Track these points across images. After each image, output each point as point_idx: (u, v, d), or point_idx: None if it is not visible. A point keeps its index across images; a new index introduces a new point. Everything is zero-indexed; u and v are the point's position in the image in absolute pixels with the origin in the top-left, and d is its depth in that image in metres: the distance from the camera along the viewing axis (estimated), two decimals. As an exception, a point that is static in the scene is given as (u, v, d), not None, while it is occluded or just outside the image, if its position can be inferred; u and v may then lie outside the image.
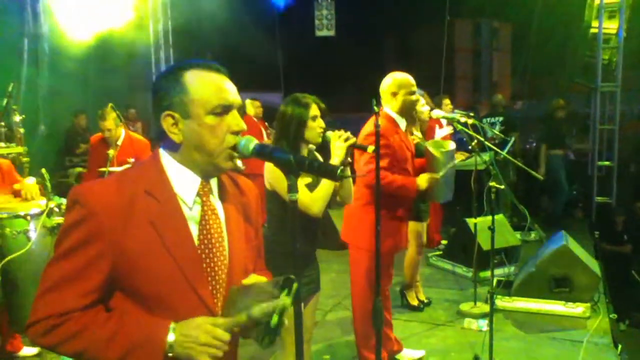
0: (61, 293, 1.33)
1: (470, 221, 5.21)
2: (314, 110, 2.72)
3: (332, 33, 10.06)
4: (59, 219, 3.24)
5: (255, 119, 7.75)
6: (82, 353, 1.34)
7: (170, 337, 1.33)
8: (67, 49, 8.38)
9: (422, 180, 3.46)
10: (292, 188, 1.56)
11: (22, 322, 3.33)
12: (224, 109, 1.43)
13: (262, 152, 1.62)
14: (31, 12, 7.90)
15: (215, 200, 1.50)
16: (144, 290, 1.37)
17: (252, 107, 7.77)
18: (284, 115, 2.73)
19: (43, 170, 3.24)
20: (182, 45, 11.63)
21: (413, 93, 3.51)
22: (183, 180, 1.44)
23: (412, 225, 4.67)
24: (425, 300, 4.96)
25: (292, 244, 2.64)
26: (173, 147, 1.44)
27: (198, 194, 1.45)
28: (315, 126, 2.70)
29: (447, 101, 6.54)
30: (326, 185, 2.65)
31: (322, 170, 1.62)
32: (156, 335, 1.33)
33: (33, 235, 3.28)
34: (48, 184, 3.20)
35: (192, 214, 1.43)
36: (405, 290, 4.90)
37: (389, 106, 3.50)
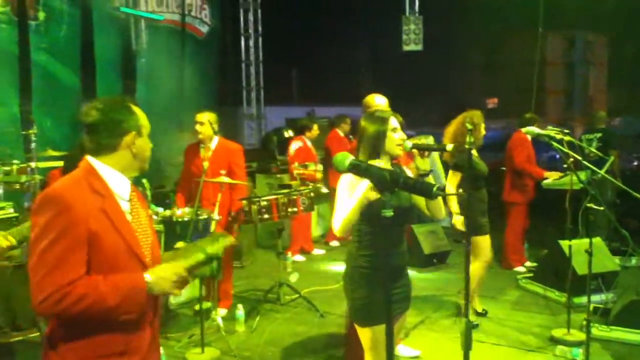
0: (64, 268, 1.79)
1: (564, 243, 4.95)
2: (393, 122, 2.75)
3: (419, 47, 9.98)
4: (157, 226, 3.41)
5: (342, 134, 7.81)
6: (90, 307, 1.80)
7: (148, 279, 1.90)
8: (163, 63, 8.88)
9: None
10: (386, 204, 1.56)
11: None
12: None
13: (357, 168, 1.64)
14: (133, 31, 8.43)
15: (135, 197, 2.06)
16: (104, 258, 1.87)
17: (344, 125, 7.87)
18: (363, 129, 2.78)
19: (144, 180, 3.43)
20: (270, 61, 11.99)
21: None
22: (118, 182, 1.99)
23: (475, 240, 4.62)
24: (482, 312, 4.97)
25: (382, 259, 2.65)
26: (109, 157, 1.97)
27: (131, 192, 2.02)
28: (396, 138, 2.73)
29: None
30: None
31: (417, 187, 1.61)
32: (139, 282, 1.89)
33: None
34: (148, 193, 3.38)
35: (125, 206, 1.99)
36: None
37: None
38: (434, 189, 1.48)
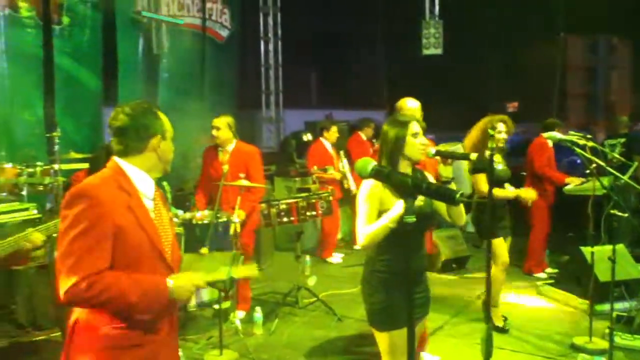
0: (91, 259, 1.89)
1: (586, 250, 4.88)
2: (414, 127, 2.73)
3: (439, 51, 9.94)
4: (177, 229, 3.43)
5: (364, 138, 7.82)
6: (113, 299, 1.90)
7: (170, 284, 2.00)
8: (184, 67, 8.97)
9: None
10: (408, 210, 1.56)
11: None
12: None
13: (379, 174, 1.64)
14: (155, 35, 8.52)
15: (158, 197, 2.19)
16: (128, 253, 1.97)
17: (368, 129, 7.89)
18: (384, 133, 2.77)
19: (164, 183, 3.46)
20: (289, 64, 12.02)
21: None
22: (144, 182, 2.10)
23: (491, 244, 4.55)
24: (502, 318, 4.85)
25: (402, 264, 2.64)
26: (136, 159, 2.08)
27: (154, 192, 2.15)
28: (417, 143, 2.71)
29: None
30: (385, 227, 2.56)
31: (439, 193, 1.60)
32: (162, 285, 2.00)
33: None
34: (169, 196, 3.40)
35: (149, 205, 2.11)
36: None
37: None
38: (457, 195, 1.47)
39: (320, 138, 7.41)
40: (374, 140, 7.73)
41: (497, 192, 4.46)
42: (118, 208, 1.97)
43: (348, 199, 7.39)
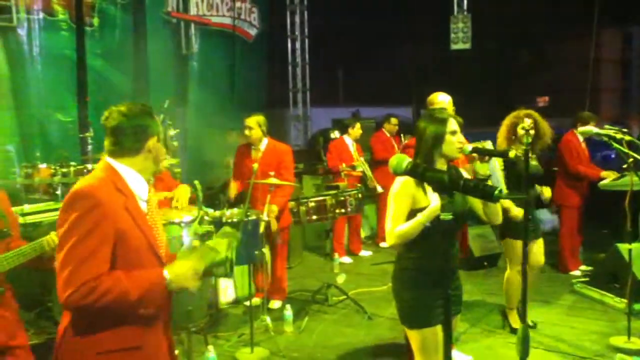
0: (92, 263, 1.86)
1: (623, 247, 4.75)
2: (452, 124, 2.68)
3: (467, 46, 9.83)
4: (208, 227, 3.45)
5: (387, 134, 7.78)
6: (114, 302, 1.87)
7: (167, 276, 1.98)
8: (214, 66, 9.04)
9: None
10: (445, 208, 1.53)
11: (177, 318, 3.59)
12: None
13: (414, 171, 1.62)
14: (184, 35, 8.61)
15: (151, 199, 2.19)
16: (129, 255, 1.96)
17: (389, 125, 7.84)
18: (421, 130, 2.70)
19: (196, 182, 3.48)
20: (315, 61, 12.03)
21: None
22: (138, 183, 2.08)
23: (509, 244, 4.45)
24: (530, 324, 4.66)
25: (434, 261, 2.61)
26: (130, 160, 2.06)
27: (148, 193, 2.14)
28: (454, 141, 2.66)
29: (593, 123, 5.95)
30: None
31: (478, 190, 1.57)
32: (159, 278, 1.97)
33: (186, 240, 3.55)
34: (200, 194, 3.42)
35: (144, 207, 2.10)
36: (507, 311, 4.71)
37: None
38: (496, 191, 1.43)
39: (344, 135, 7.41)
40: (402, 136, 7.69)
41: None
42: (117, 210, 1.95)
43: (371, 197, 7.38)
